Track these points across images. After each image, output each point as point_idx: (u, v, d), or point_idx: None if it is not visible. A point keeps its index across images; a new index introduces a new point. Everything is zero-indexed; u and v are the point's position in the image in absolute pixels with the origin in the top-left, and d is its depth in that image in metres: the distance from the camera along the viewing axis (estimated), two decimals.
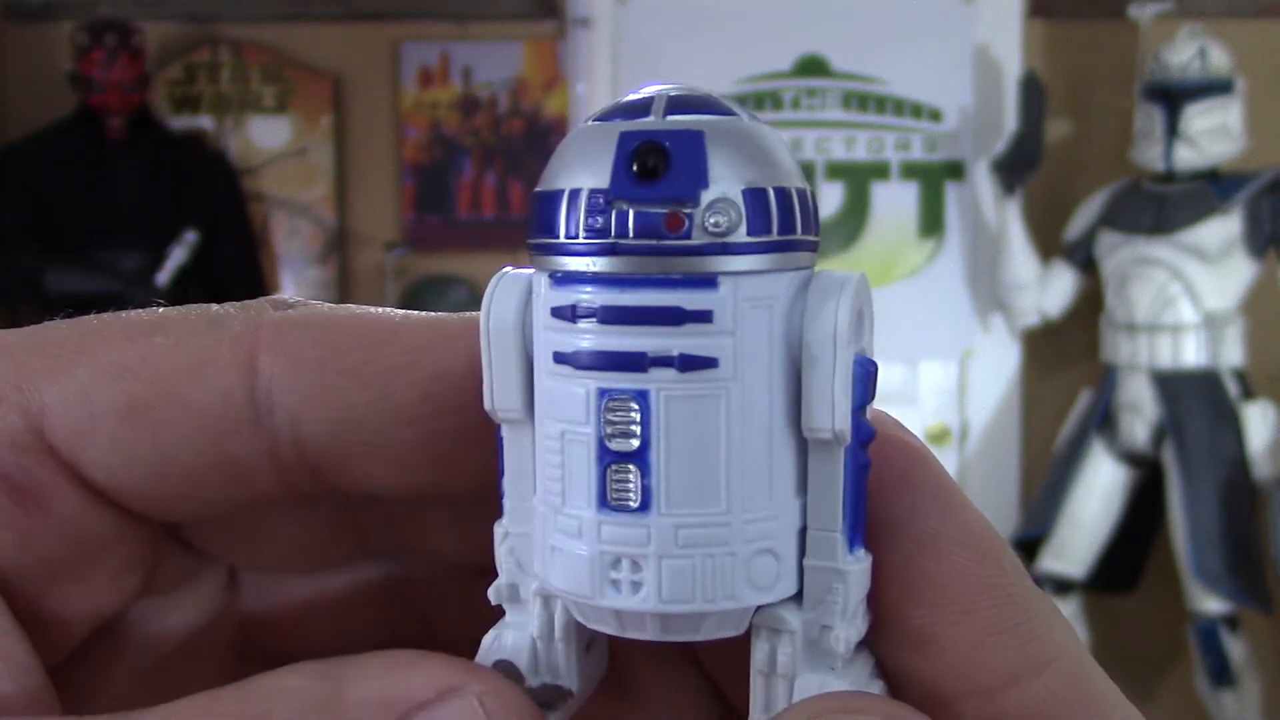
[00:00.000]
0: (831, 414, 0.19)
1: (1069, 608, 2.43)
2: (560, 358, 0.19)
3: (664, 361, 0.19)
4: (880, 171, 2.70)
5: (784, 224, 0.19)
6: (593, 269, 0.19)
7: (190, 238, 2.37)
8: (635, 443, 0.19)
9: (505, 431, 0.21)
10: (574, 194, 0.19)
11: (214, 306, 0.23)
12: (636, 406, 0.19)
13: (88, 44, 2.38)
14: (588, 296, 0.19)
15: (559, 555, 0.20)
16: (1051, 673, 0.19)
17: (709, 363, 0.19)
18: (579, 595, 0.20)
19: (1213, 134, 2.30)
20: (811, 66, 2.68)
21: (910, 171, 2.70)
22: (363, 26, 2.72)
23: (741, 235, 0.19)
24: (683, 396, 0.19)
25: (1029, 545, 2.44)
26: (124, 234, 2.37)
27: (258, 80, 2.74)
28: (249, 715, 0.18)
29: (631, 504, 0.19)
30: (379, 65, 2.74)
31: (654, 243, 0.18)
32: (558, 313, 0.19)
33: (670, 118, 0.19)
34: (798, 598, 0.20)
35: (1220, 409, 2.27)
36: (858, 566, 0.20)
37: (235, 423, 0.21)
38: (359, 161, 2.76)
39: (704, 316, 0.19)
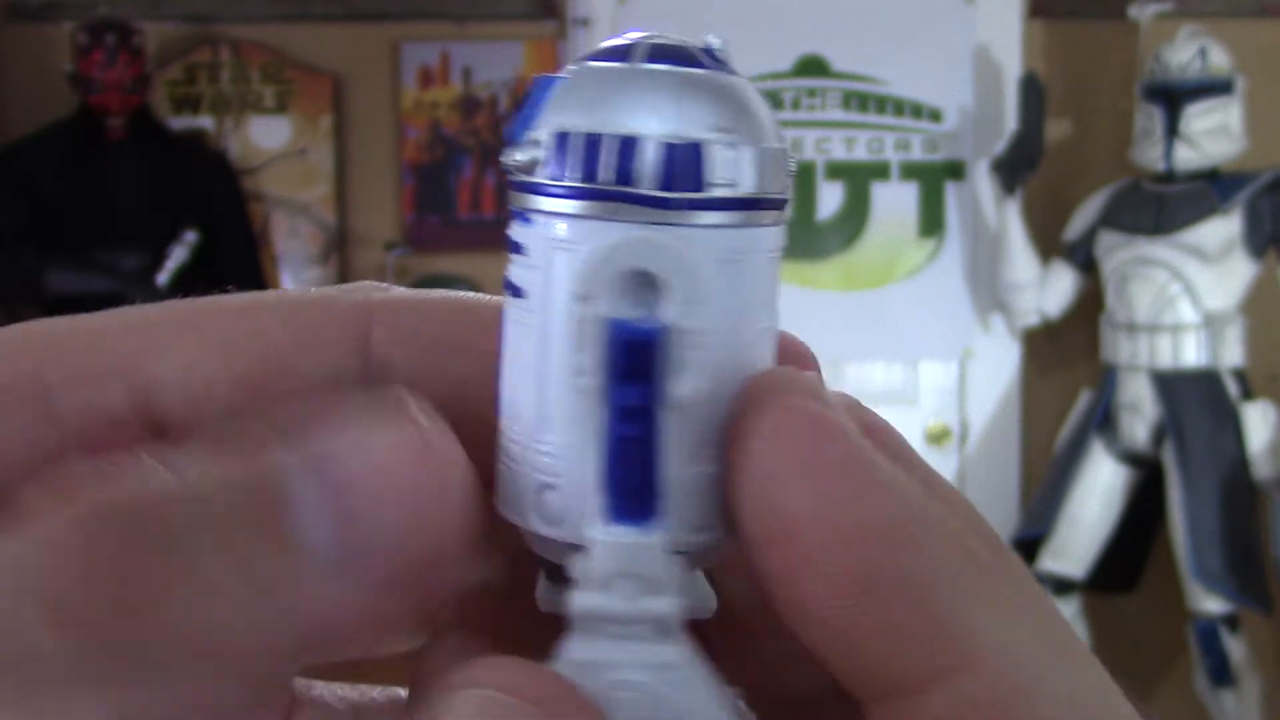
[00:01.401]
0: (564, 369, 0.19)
1: (1069, 608, 2.43)
2: None
3: (507, 285, 0.20)
4: (880, 171, 2.70)
5: (590, 171, 0.19)
6: None
7: (190, 238, 2.37)
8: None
9: None
10: None
11: (315, 288, 0.23)
12: (502, 325, 0.20)
13: (88, 44, 2.38)
14: None
15: None
16: (982, 672, 0.18)
17: (520, 292, 0.20)
18: None
19: (1213, 134, 2.30)
20: (811, 66, 2.68)
21: (910, 171, 2.70)
22: (363, 26, 2.72)
23: (544, 176, 0.19)
24: (512, 321, 0.20)
25: (1029, 545, 2.44)
26: (124, 234, 2.37)
27: (258, 80, 2.74)
28: None
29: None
30: (379, 65, 2.74)
31: (507, 177, 0.20)
32: None
33: (572, 65, 0.20)
34: None
35: (1220, 409, 2.27)
36: (605, 539, 0.19)
37: None
38: (359, 161, 2.76)
39: (519, 249, 0.20)
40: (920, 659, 0.18)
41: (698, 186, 0.18)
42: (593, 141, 0.19)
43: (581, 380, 0.19)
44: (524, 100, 0.20)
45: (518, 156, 0.19)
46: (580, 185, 0.19)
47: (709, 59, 0.20)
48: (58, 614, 0.16)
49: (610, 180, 0.19)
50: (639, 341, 0.18)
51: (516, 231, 0.20)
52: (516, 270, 0.20)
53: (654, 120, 0.19)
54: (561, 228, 0.19)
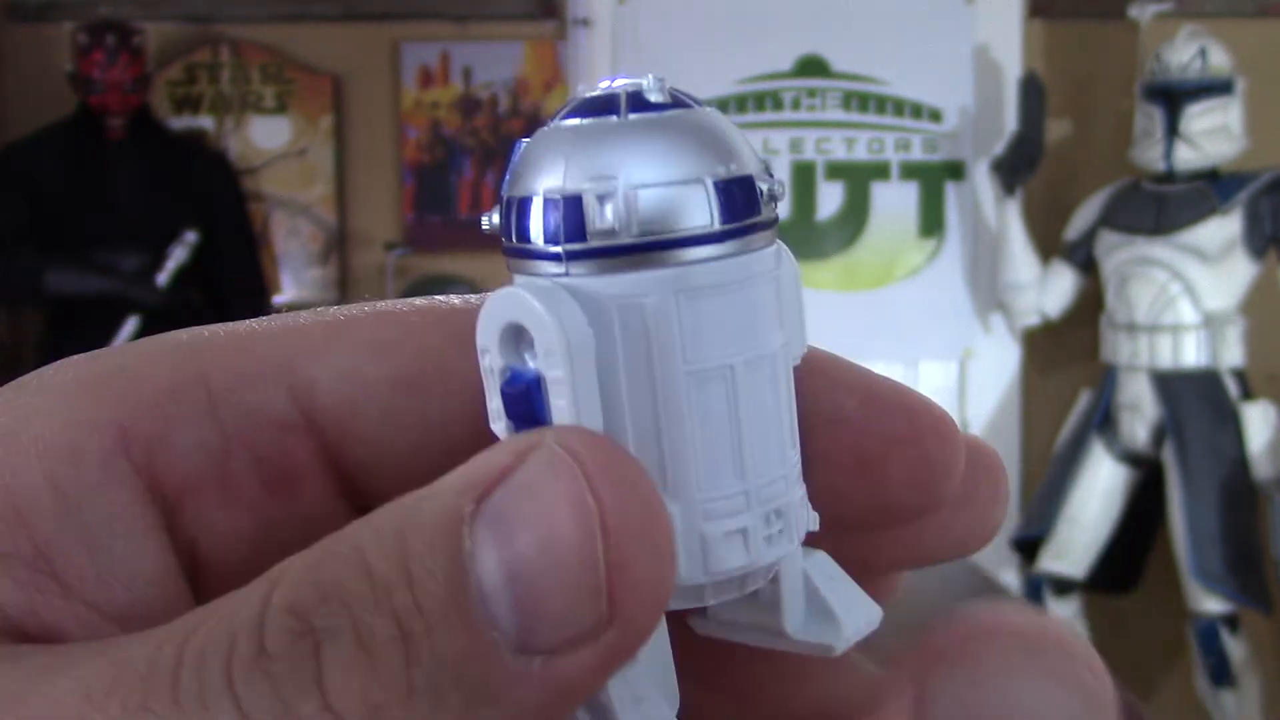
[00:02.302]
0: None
1: (1069, 608, 2.43)
2: None
3: None
4: (880, 171, 2.70)
5: (507, 232, 0.20)
6: None
7: (190, 238, 2.37)
8: None
9: None
10: None
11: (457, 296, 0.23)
12: None
13: (88, 44, 2.38)
14: None
15: None
16: None
17: None
18: None
19: (1213, 134, 2.30)
20: (811, 66, 2.68)
21: (910, 171, 2.70)
22: (363, 26, 2.72)
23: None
24: None
25: (1029, 545, 2.44)
26: (124, 234, 2.37)
27: (258, 80, 2.74)
28: (344, 549, 0.17)
29: None
30: (379, 65, 2.74)
31: None
32: None
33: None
34: None
35: (1220, 409, 2.27)
36: None
37: None
38: (359, 161, 2.76)
39: None
40: None
41: (581, 237, 0.19)
42: (508, 204, 0.20)
43: (498, 425, 0.19)
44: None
45: (488, 225, 0.20)
46: (506, 245, 0.20)
47: (634, 104, 0.19)
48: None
49: (518, 239, 0.20)
50: (516, 388, 0.19)
51: None
52: None
53: (546, 177, 0.19)
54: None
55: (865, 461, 0.21)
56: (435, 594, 0.16)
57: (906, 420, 0.21)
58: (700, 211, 0.19)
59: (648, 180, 0.19)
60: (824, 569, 0.21)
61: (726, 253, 0.19)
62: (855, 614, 0.21)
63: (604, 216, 0.19)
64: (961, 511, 0.22)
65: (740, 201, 0.19)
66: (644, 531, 0.17)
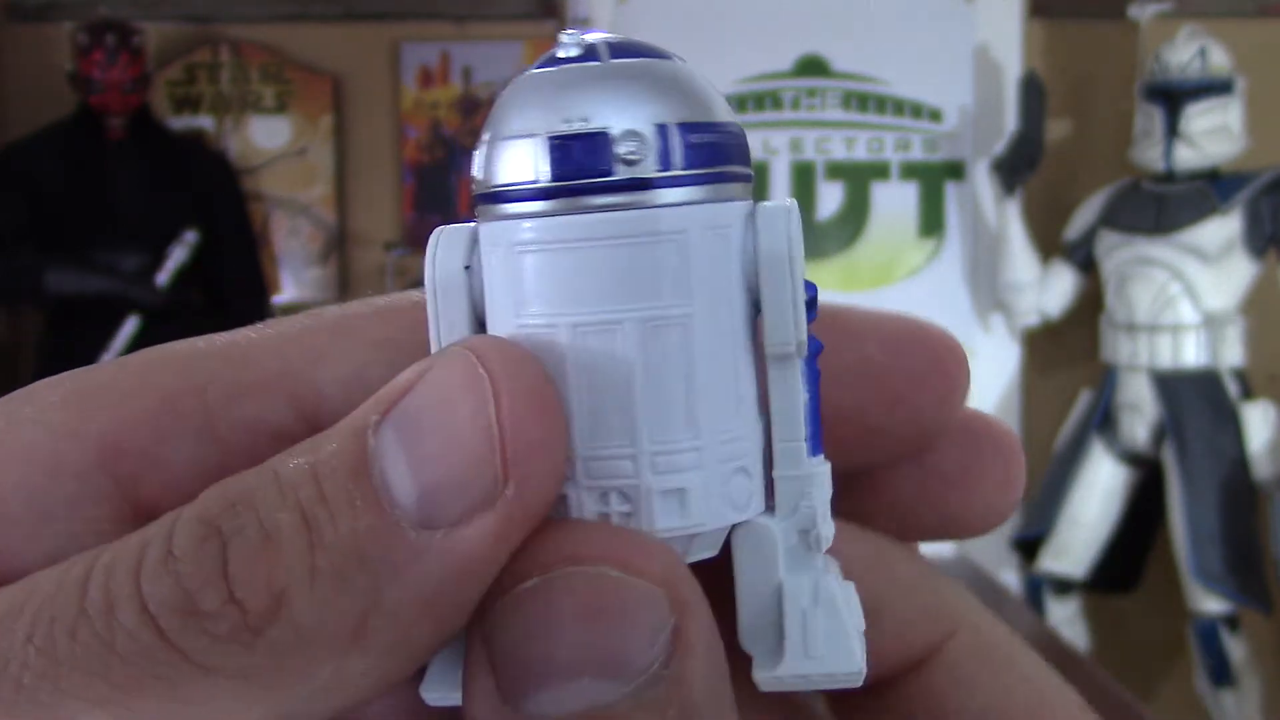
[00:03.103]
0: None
1: (1069, 608, 2.43)
2: None
3: None
4: (880, 171, 2.70)
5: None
6: None
7: (190, 238, 2.37)
8: None
9: None
10: None
11: None
12: None
13: (88, 44, 2.38)
14: None
15: None
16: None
17: None
18: None
19: (1213, 134, 2.30)
20: (811, 66, 2.68)
21: (910, 171, 2.70)
22: (363, 26, 2.72)
23: None
24: None
25: (1029, 545, 2.44)
26: (124, 234, 2.37)
27: (258, 80, 2.74)
28: (256, 469, 0.18)
29: None
30: (379, 65, 2.74)
31: None
32: None
33: None
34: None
35: (1220, 409, 2.27)
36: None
37: None
38: (359, 161, 2.76)
39: None
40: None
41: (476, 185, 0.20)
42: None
43: None
44: None
45: None
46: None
47: (546, 59, 0.19)
48: (181, 616, 0.16)
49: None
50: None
51: None
52: None
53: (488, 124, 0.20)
54: None
55: (895, 401, 0.22)
56: (338, 482, 0.17)
57: (927, 356, 0.22)
58: (528, 166, 0.19)
59: (503, 134, 0.19)
60: (828, 593, 0.19)
61: (556, 210, 0.18)
62: (820, 658, 0.19)
63: (473, 167, 0.20)
64: (974, 492, 0.22)
65: (579, 159, 0.18)
66: (533, 397, 0.18)
